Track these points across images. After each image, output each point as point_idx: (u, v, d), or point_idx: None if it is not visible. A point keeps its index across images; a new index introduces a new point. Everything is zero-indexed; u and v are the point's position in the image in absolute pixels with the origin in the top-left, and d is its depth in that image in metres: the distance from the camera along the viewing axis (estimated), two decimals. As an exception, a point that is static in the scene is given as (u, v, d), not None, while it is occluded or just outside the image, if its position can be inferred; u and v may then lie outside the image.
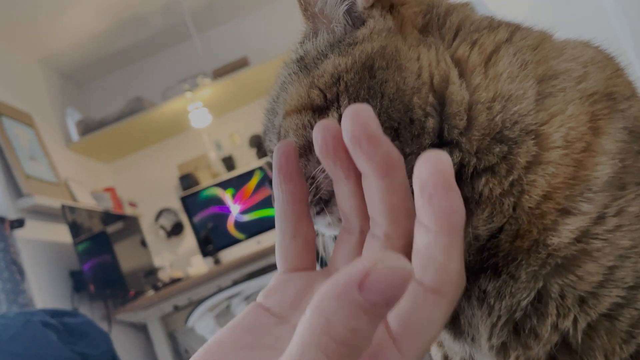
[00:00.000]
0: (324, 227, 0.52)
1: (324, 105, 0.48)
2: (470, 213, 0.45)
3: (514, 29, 0.50)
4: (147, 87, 4.22)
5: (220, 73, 3.93)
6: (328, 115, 0.47)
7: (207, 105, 3.94)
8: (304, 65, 0.51)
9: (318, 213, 0.50)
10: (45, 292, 2.79)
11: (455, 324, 0.48)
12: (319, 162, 0.47)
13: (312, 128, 0.47)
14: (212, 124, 4.06)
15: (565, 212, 0.42)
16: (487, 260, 0.44)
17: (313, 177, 0.48)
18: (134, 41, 4.07)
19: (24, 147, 3.07)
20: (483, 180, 0.44)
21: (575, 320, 0.41)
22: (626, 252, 0.41)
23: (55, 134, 3.69)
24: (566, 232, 0.42)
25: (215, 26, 4.28)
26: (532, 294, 0.42)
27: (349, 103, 0.46)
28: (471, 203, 0.45)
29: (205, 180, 4.12)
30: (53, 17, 3.46)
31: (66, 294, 2.98)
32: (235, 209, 3.82)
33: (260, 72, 3.81)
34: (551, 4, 1.18)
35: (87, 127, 3.85)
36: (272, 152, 0.54)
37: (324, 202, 0.49)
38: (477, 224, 0.44)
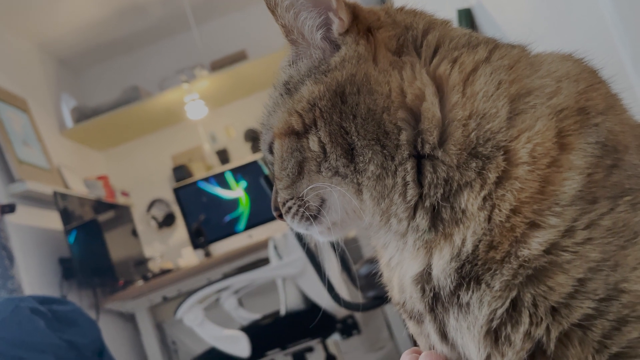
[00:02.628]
0: (317, 234, 0.59)
1: (303, 130, 0.53)
2: (456, 228, 0.47)
3: (493, 48, 0.52)
4: (143, 76, 4.20)
5: (218, 65, 3.92)
6: (308, 139, 0.53)
7: (204, 97, 3.92)
8: (288, 89, 0.56)
9: (310, 225, 0.57)
10: (34, 278, 2.78)
11: (446, 339, 0.50)
12: (307, 182, 0.54)
13: (299, 151, 0.54)
14: (207, 116, 4.05)
15: (534, 225, 0.44)
16: (469, 272, 0.46)
17: (302, 196, 0.55)
18: (133, 30, 4.05)
19: (18, 131, 3.05)
20: (465, 195, 0.48)
21: (548, 329, 0.43)
22: (597, 265, 0.42)
23: (50, 119, 3.67)
24: (535, 244, 0.44)
25: (215, 18, 4.26)
26: (507, 303, 0.44)
27: (325, 126, 0.52)
28: (458, 217, 0.48)
29: (198, 172, 4.11)
30: (52, 2, 3.44)
31: (55, 281, 2.97)
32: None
33: (258, 66, 3.81)
34: (551, 12, 1.19)
35: (82, 114, 3.82)
36: (269, 160, 0.61)
37: (313, 217, 0.56)
38: (464, 238, 0.47)
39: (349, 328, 2.43)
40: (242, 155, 4.19)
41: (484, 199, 0.47)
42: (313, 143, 0.53)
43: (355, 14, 0.53)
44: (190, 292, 2.44)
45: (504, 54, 0.52)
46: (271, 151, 0.59)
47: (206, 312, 2.45)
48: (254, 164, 3.82)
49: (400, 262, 0.53)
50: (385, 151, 0.50)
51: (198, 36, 4.02)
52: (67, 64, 4.20)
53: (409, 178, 0.50)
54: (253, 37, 4.12)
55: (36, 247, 2.92)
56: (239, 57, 3.90)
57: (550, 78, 0.49)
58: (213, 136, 4.29)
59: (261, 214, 3.75)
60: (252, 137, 4.19)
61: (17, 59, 3.55)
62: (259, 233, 3.71)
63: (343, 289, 2.29)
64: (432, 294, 0.49)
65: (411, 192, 0.50)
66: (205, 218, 3.78)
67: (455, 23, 1.95)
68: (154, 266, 3.74)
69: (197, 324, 2.37)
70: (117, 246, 3.50)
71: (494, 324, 0.45)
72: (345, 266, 2.21)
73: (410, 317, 0.54)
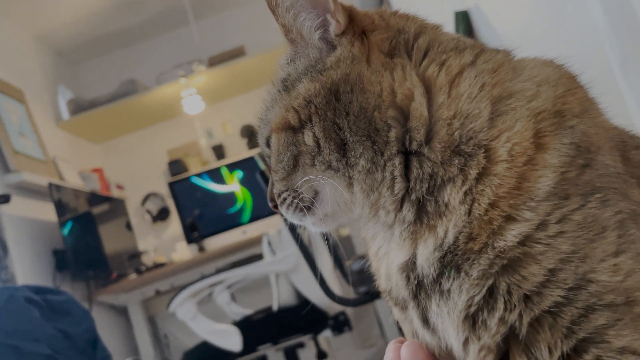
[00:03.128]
0: (310, 225, 0.61)
1: (298, 125, 0.56)
2: (440, 220, 0.50)
3: (479, 52, 0.55)
4: (141, 70, 4.20)
5: (216, 61, 3.93)
6: (303, 134, 0.56)
7: (201, 93, 3.93)
8: (285, 86, 0.59)
9: (304, 216, 0.59)
10: (27, 269, 2.79)
11: (428, 324, 0.53)
12: (302, 175, 0.57)
13: (294, 145, 0.57)
14: (204, 111, 4.06)
15: (510, 218, 0.47)
16: (450, 261, 0.49)
17: (296, 188, 0.58)
18: (131, 23, 4.05)
19: (14, 122, 3.05)
20: (448, 189, 0.51)
21: (520, 315, 0.46)
22: (567, 257, 0.45)
23: (46, 111, 3.67)
24: (511, 236, 0.47)
25: (214, 13, 4.26)
26: (484, 290, 0.48)
27: (319, 122, 0.55)
28: (441, 210, 0.51)
29: (194, 167, 4.12)
30: (50, -7, 3.44)
31: (48, 272, 2.98)
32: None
33: (256, 62, 3.82)
34: (546, 17, 1.21)
35: (79, 107, 3.82)
36: (266, 154, 0.63)
37: (307, 208, 0.59)
38: (447, 229, 0.50)
39: (340, 325, 2.45)
40: (238, 151, 4.20)
41: (465, 194, 0.49)
42: (308, 138, 0.56)
43: (351, 16, 0.56)
44: (183, 286, 2.46)
45: (489, 58, 0.54)
46: (268, 145, 0.61)
47: (199, 306, 2.46)
48: (251, 159, 3.84)
49: (388, 252, 0.56)
50: (375, 147, 0.53)
51: (196, 31, 4.02)
52: (64, 56, 4.19)
53: (396, 173, 0.52)
54: (252, 33, 4.13)
55: (30, 238, 2.92)
56: (237, 53, 3.91)
57: (531, 82, 0.52)
58: (209, 131, 4.29)
59: (256, 210, 3.77)
60: (249, 134, 4.20)
61: (14, 49, 3.54)
62: (252, 229, 3.73)
63: (335, 285, 2.31)
64: (416, 282, 0.52)
65: (398, 185, 0.52)
66: (199, 213, 3.79)
67: (452, 25, 1.96)
68: (148, 260, 3.75)
69: (190, 317, 2.38)
70: (111, 239, 3.50)
71: (472, 309, 0.48)
72: (337, 262, 2.23)
73: (396, 304, 0.56)
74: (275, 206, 0.62)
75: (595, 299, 0.44)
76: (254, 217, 3.78)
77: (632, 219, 0.47)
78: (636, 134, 0.56)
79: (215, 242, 3.76)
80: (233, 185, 3.85)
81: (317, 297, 2.27)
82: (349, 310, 2.52)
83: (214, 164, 4.10)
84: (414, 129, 0.52)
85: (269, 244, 2.55)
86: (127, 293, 3.43)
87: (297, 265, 2.34)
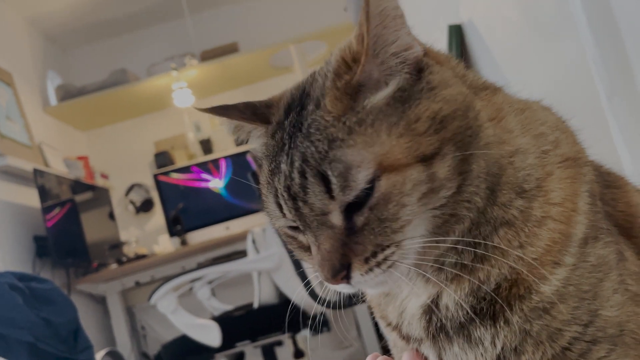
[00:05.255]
0: (381, 289, 0.54)
1: (434, 153, 0.47)
2: (482, 265, 0.49)
3: (501, 91, 0.56)
4: (133, 60, 4.18)
5: (208, 55, 3.93)
6: (437, 164, 0.46)
7: (192, 86, 3.92)
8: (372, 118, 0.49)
9: (387, 280, 0.50)
10: (7, 254, 2.76)
11: None
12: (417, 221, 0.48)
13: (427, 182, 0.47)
14: (194, 105, 4.05)
15: (557, 263, 0.49)
16: (486, 310, 0.49)
17: (400, 242, 0.48)
18: (126, 12, 4.02)
19: (1, 105, 3.02)
20: (502, 232, 0.49)
21: (543, 354, 0.48)
22: (585, 295, 0.48)
23: (34, 96, 3.63)
24: (555, 281, 0.48)
25: (210, 8, 4.26)
26: (521, 336, 0.48)
27: (456, 150, 0.47)
28: (488, 255, 0.49)
29: (180, 160, 4.11)
30: (45, -23, 3.40)
31: (28, 259, 2.95)
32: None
33: (249, 59, 3.83)
34: (537, 40, 1.25)
35: (67, 93, 3.79)
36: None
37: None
38: (489, 274, 0.49)
39: (319, 325, 2.48)
40: (225, 146, 4.21)
41: (521, 237, 0.49)
42: (442, 170, 0.48)
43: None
44: (164, 278, 2.46)
45: (510, 98, 0.56)
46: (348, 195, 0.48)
47: (179, 299, 2.47)
48: (239, 155, 3.85)
49: (409, 291, 0.54)
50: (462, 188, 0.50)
51: (191, 25, 4.01)
52: (55, 41, 4.15)
53: (464, 212, 0.50)
54: (246, 30, 4.14)
55: (11, 223, 2.89)
56: (230, 49, 3.92)
57: (546, 127, 0.53)
58: (198, 125, 4.29)
59: (240, 207, 3.78)
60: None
61: (5, 32, 3.50)
62: (236, 225, 3.73)
63: (318, 286, 2.34)
64: (439, 324, 0.51)
65: (459, 227, 0.50)
66: (183, 206, 3.79)
67: (446, 37, 1.99)
68: (129, 251, 3.74)
69: (171, 311, 2.39)
70: (93, 228, 3.48)
71: (504, 355, 0.49)
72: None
73: (403, 338, 0.56)
74: (346, 277, 0.49)
75: (600, 332, 0.48)
76: (238, 214, 3.79)
77: (619, 258, 0.51)
78: (610, 170, 0.60)
79: (198, 237, 3.77)
80: (218, 180, 3.85)
81: (298, 296, 2.29)
82: (329, 311, 2.55)
83: (201, 158, 4.10)
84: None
85: (253, 241, 2.57)
86: (106, 283, 3.41)
87: (280, 264, 2.36)
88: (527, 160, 0.50)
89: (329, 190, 0.47)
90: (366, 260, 0.47)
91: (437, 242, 0.48)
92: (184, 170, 3.90)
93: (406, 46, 0.49)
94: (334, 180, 0.47)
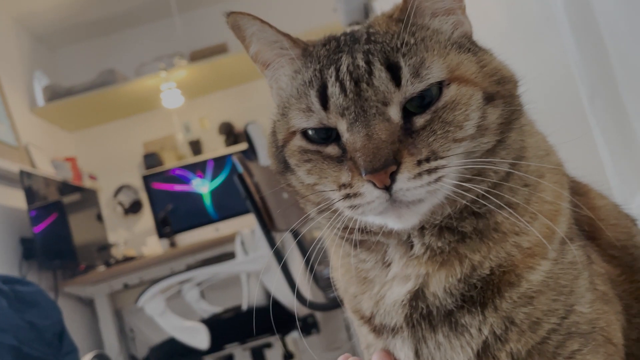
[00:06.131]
0: (410, 218, 0.51)
1: (492, 95, 0.52)
2: (480, 246, 0.51)
3: None
4: (121, 60, 4.15)
5: (197, 56, 3.91)
6: (491, 108, 0.51)
7: (181, 87, 3.91)
8: (468, 47, 0.55)
9: (423, 201, 0.50)
10: (-7, 256, 2.73)
11: (418, 355, 0.53)
12: (461, 151, 0.50)
13: (481, 114, 0.50)
14: (183, 105, 4.03)
15: (542, 255, 0.52)
16: (475, 296, 0.50)
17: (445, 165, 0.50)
18: (114, 11, 3.99)
19: (-13, 106, 2.99)
20: (505, 213, 0.51)
21: (525, 343, 0.50)
22: (563, 290, 0.51)
23: (21, 96, 3.59)
24: (540, 271, 0.51)
25: (199, 7, 4.24)
26: (507, 323, 0.50)
27: (504, 107, 0.52)
28: (486, 235, 0.52)
29: (169, 161, 4.09)
30: (32, -24, 3.37)
31: (14, 261, 2.92)
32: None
33: (239, 60, 3.81)
34: (520, 40, 1.26)
35: (55, 94, 3.76)
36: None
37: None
38: (484, 257, 0.51)
39: (308, 327, 2.48)
40: (215, 147, 4.19)
41: (520, 225, 0.52)
42: (492, 115, 0.51)
43: None
44: (153, 280, 2.44)
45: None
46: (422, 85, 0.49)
47: (167, 302, 2.46)
48: (227, 157, 3.83)
49: (392, 276, 0.54)
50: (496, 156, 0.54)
51: (180, 25, 3.99)
52: (43, 41, 4.11)
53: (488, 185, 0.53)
54: (235, 31, 4.11)
55: (-3, 224, 2.86)
56: (219, 50, 3.90)
57: (540, 135, 0.59)
58: (187, 126, 4.27)
59: (229, 208, 3.76)
60: (227, 130, 4.20)
61: (-9, 31, 3.47)
62: (225, 227, 3.72)
63: (306, 288, 2.34)
64: (425, 311, 0.51)
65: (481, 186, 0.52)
66: (172, 208, 3.77)
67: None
68: (117, 252, 3.71)
69: (158, 313, 2.37)
70: (80, 230, 3.45)
71: (488, 342, 0.51)
72: (309, 266, 2.25)
73: (374, 330, 0.56)
74: (392, 174, 0.47)
75: (574, 327, 0.51)
76: (226, 215, 3.78)
77: (588, 260, 0.55)
78: (574, 178, 0.63)
79: (187, 238, 3.75)
80: (207, 182, 3.84)
81: (287, 298, 2.29)
82: (318, 313, 2.54)
83: (190, 159, 4.08)
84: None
85: (242, 243, 2.56)
86: (94, 285, 3.38)
87: (269, 266, 2.36)
88: (531, 160, 0.54)
89: (395, 78, 0.48)
90: (419, 163, 0.47)
91: (468, 187, 0.48)
92: (173, 179, 3.88)
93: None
94: (405, 68, 0.48)
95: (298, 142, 0.53)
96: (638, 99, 0.78)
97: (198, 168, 3.86)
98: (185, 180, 3.86)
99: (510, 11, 1.26)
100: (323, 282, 2.20)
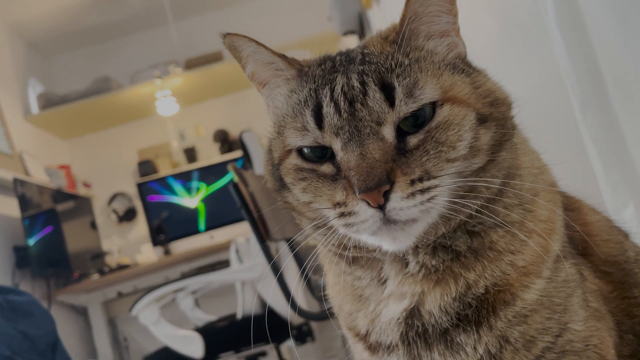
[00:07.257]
0: (403, 240, 0.51)
1: (485, 117, 0.53)
2: (475, 264, 0.52)
3: None
4: (116, 67, 4.15)
5: (192, 64, 3.92)
6: (483, 129, 0.52)
7: (176, 94, 3.91)
8: (462, 68, 0.56)
9: (415, 222, 0.50)
10: (-15, 264, 2.71)
11: None
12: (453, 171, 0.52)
13: (474, 135, 0.51)
14: (178, 113, 4.03)
15: (537, 274, 0.52)
16: (470, 315, 0.51)
17: (437, 185, 0.50)
18: (109, 19, 4.00)
19: (-19, 113, 2.98)
20: (500, 232, 0.52)
21: None
22: (556, 308, 0.51)
23: (15, 103, 3.58)
24: (534, 290, 0.51)
25: (194, 15, 4.25)
26: (502, 342, 0.50)
27: (495, 129, 0.53)
28: (481, 254, 0.52)
29: (164, 169, 4.08)
30: (27, -16, 3.37)
31: (7, 269, 2.90)
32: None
33: (234, 68, 3.79)
34: (513, 50, 1.27)
35: (49, 101, 3.75)
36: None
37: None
38: (479, 276, 0.51)
39: (303, 335, 2.47)
40: (210, 155, 4.19)
41: (515, 243, 0.53)
42: (485, 137, 0.51)
43: None
44: (147, 289, 2.43)
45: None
46: (412, 102, 0.50)
47: (162, 310, 2.44)
48: (222, 165, 3.83)
49: (387, 295, 0.55)
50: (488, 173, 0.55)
51: (175, 33, 4.00)
52: (37, 48, 4.11)
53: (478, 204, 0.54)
54: (230, 39, 4.12)
55: (-10, 233, 2.84)
56: (214, 58, 3.91)
57: (535, 154, 0.60)
58: (182, 134, 4.27)
59: (224, 216, 3.75)
60: (222, 138, 4.19)
61: (-15, 38, 3.46)
62: (220, 235, 3.71)
63: (301, 297, 2.33)
64: (421, 329, 0.52)
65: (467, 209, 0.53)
66: (167, 216, 3.75)
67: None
68: (111, 260, 3.69)
69: (153, 322, 2.36)
70: (74, 238, 3.44)
71: None
72: (304, 275, 2.25)
73: (369, 348, 0.56)
74: (385, 193, 0.47)
75: (568, 345, 0.51)
76: (219, 224, 3.77)
77: (582, 277, 0.55)
78: (566, 194, 0.63)
79: (182, 246, 3.73)
80: (199, 196, 3.83)
81: (282, 307, 2.28)
82: (313, 322, 2.54)
83: (185, 166, 4.07)
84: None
85: (237, 251, 2.55)
86: (88, 293, 3.36)
87: (264, 274, 2.35)
88: (526, 178, 0.55)
89: (389, 98, 0.49)
90: (412, 182, 0.47)
91: (461, 203, 0.49)
92: (165, 190, 3.87)
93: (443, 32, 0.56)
94: (399, 88, 0.50)
95: (294, 160, 0.53)
96: (629, 109, 0.79)
97: (192, 176, 3.85)
98: (178, 193, 3.85)
99: (502, 21, 1.27)
100: (318, 291, 2.20)
